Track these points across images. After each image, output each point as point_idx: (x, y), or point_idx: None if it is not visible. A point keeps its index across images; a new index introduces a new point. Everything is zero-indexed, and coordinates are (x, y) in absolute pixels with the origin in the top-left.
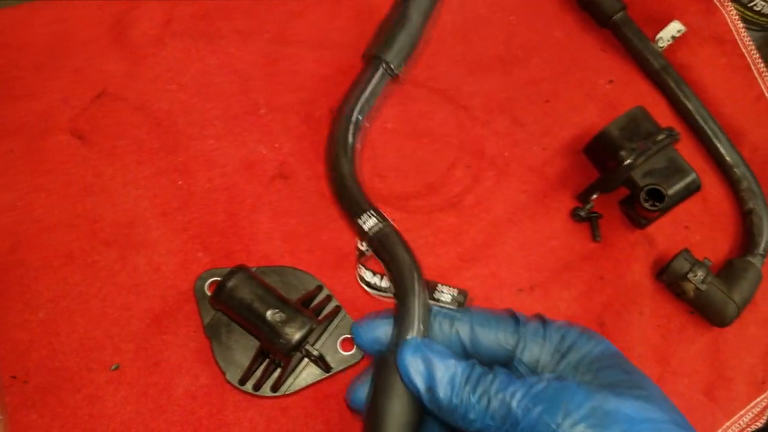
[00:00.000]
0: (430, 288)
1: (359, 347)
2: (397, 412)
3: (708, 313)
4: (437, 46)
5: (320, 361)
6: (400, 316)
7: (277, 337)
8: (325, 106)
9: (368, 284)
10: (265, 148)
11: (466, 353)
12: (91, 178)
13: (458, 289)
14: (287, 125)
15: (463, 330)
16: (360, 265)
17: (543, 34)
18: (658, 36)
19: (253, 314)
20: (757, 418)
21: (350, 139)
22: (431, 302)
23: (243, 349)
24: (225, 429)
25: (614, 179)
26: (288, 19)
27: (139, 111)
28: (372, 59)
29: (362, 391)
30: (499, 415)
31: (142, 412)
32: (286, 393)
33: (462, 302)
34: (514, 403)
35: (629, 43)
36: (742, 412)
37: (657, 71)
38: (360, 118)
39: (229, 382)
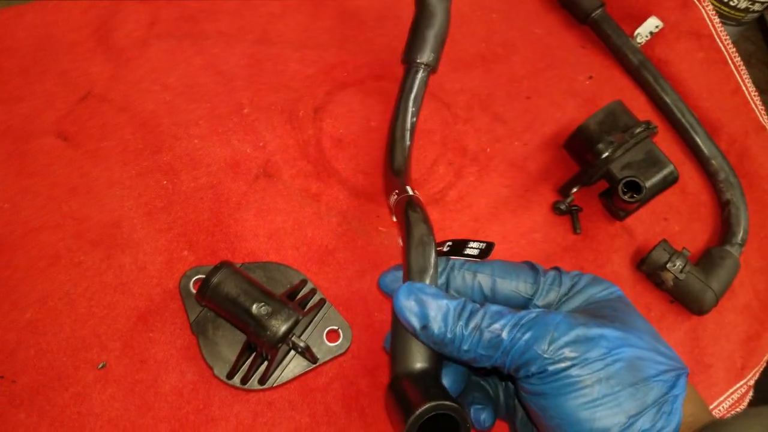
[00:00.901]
0: (463, 245)
1: (382, 290)
2: (414, 349)
3: (687, 301)
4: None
5: (307, 353)
6: (405, 265)
7: (263, 330)
8: (310, 105)
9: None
10: (250, 147)
11: (487, 301)
12: (77, 179)
13: (486, 242)
14: (271, 124)
15: (485, 280)
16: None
17: (523, 32)
18: (637, 32)
19: (238, 308)
20: (736, 404)
21: (407, 141)
22: (461, 258)
23: (229, 344)
24: (212, 424)
25: (593, 172)
26: (271, 20)
27: (124, 112)
28: (412, 64)
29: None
30: (490, 345)
31: (129, 409)
32: (274, 385)
33: (486, 253)
34: (504, 334)
35: (608, 39)
36: (721, 399)
37: (636, 67)
38: (414, 120)
39: (216, 377)
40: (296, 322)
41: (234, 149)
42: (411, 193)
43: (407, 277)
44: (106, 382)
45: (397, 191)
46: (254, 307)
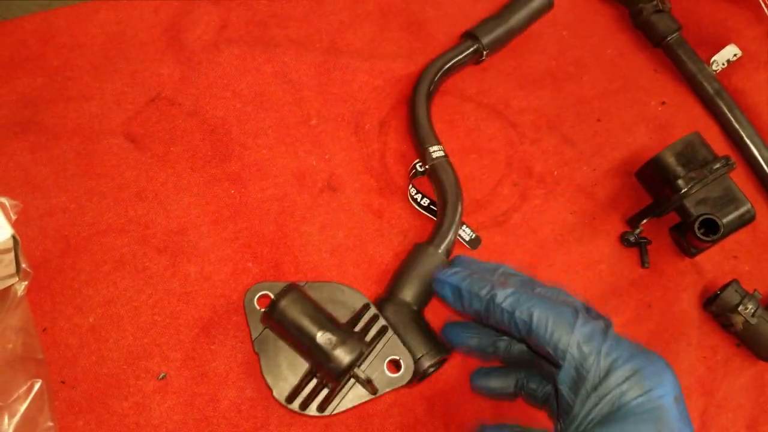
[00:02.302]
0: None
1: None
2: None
3: (755, 346)
4: (489, 59)
5: (368, 385)
6: (436, 229)
7: (327, 361)
8: (376, 118)
9: (414, 200)
10: (316, 159)
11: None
12: (144, 183)
13: (476, 234)
14: (337, 136)
15: (522, 325)
16: (411, 184)
17: (595, 52)
18: (713, 59)
19: (303, 335)
20: None
21: (429, 89)
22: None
23: (291, 366)
24: None
25: (667, 206)
26: (340, 29)
27: (193, 117)
28: (468, 36)
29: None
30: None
31: (187, 422)
32: (332, 414)
33: (475, 244)
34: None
35: (683, 65)
36: None
37: (710, 95)
38: (438, 77)
39: (275, 399)
40: (360, 355)
41: (300, 161)
42: (447, 156)
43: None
44: (166, 393)
45: (435, 150)
46: (319, 335)
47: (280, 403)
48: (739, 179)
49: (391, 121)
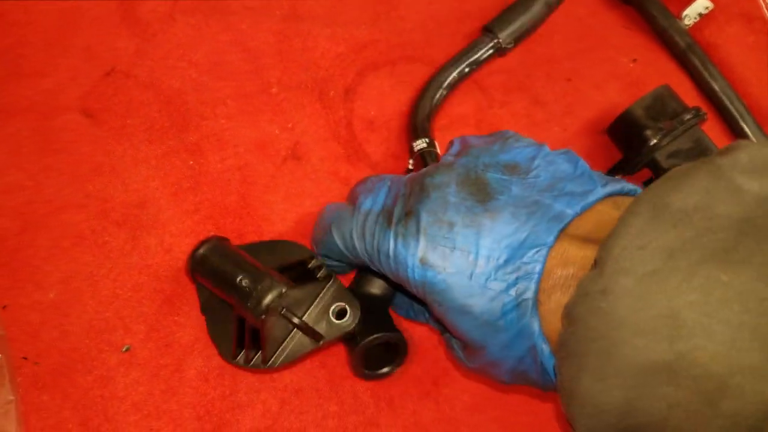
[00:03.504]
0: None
1: None
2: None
3: None
4: (456, 24)
5: (306, 329)
6: None
7: (245, 301)
8: (340, 85)
9: None
10: (278, 128)
11: None
12: (101, 158)
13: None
14: (300, 104)
15: None
16: None
17: (565, 11)
18: (684, 13)
19: (224, 281)
20: None
21: (439, 95)
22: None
23: (232, 323)
24: (238, 411)
25: (638, 160)
26: None
27: (149, 89)
28: (487, 32)
29: None
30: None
31: (153, 393)
32: (277, 366)
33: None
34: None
35: (654, 20)
36: None
37: (682, 50)
38: (456, 77)
39: (222, 358)
40: (281, 293)
41: (262, 130)
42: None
43: None
44: (130, 365)
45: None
46: (238, 278)
47: (228, 362)
48: (713, 133)
49: (357, 88)
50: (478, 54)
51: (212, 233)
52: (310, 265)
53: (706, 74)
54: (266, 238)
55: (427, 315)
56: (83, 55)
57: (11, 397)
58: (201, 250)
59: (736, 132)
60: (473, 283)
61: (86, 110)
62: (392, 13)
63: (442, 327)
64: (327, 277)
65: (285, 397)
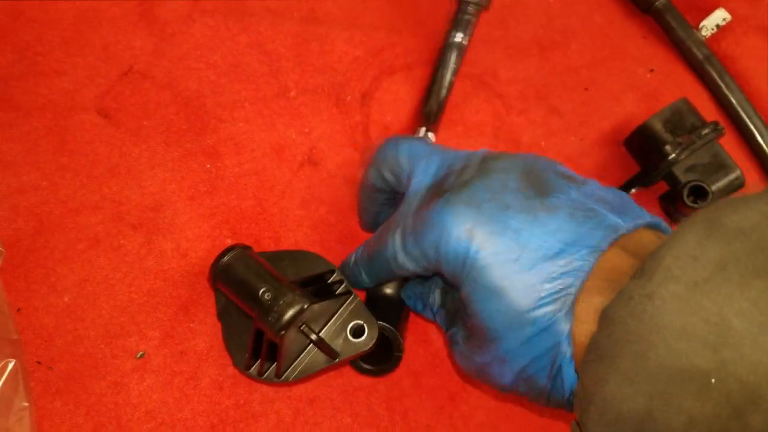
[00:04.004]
0: None
1: None
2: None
3: None
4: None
5: (322, 346)
6: None
7: (266, 315)
8: (357, 90)
9: None
10: (295, 132)
11: None
12: (117, 159)
13: None
14: (317, 109)
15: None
16: None
17: (583, 19)
18: (702, 24)
19: (246, 292)
20: None
21: (454, 63)
22: None
23: (249, 332)
24: (252, 420)
25: (656, 174)
26: None
27: (166, 90)
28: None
29: None
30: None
31: (167, 401)
32: (290, 380)
33: None
34: None
35: (672, 31)
36: None
37: (700, 61)
38: (465, 43)
39: (236, 368)
40: (302, 309)
41: (279, 134)
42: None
43: None
44: (145, 372)
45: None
46: (261, 291)
47: (241, 371)
48: (730, 146)
49: (374, 93)
50: (467, 17)
51: (228, 238)
52: (330, 280)
53: (723, 86)
54: (282, 244)
55: (435, 309)
56: (101, 54)
57: (25, 404)
58: (225, 258)
59: (752, 146)
60: (516, 267)
61: (103, 110)
62: (410, 19)
63: (450, 321)
64: (347, 293)
65: (299, 407)
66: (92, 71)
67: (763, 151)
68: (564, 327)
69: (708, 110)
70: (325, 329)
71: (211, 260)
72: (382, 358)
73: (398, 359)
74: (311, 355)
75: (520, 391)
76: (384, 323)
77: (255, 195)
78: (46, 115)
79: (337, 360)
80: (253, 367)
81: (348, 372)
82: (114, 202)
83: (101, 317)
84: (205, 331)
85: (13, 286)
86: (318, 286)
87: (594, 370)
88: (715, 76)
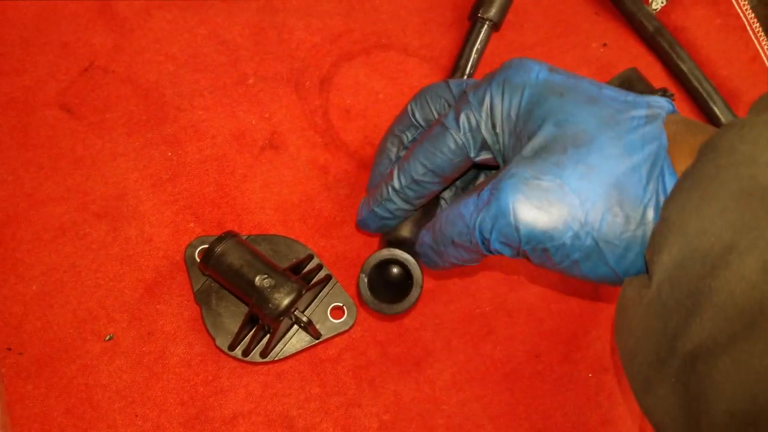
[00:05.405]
0: None
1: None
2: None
3: None
4: (428, 12)
5: (309, 328)
6: None
7: (265, 303)
8: (316, 76)
9: None
10: (255, 118)
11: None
12: (81, 151)
13: None
14: (277, 95)
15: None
16: None
17: None
18: None
19: (241, 280)
20: None
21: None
22: None
23: (232, 315)
24: (221, 395)
25: None
26: None
27: (127, 83)
28: (477, 19)
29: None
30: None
31: (137, 381)
32: (275, 359)
33: None
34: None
35: (623, 5)
36: None
37: (651, 34)
38: (471, 71)
39: (218, 348)
40: (299, 296)
41: (239, 120)
42: None
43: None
44: (114, 354)
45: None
46: (257, 279)
47: (224, 352)
48: (684, 114)
49: (333, 78)
50: (481, 44)
51: (191, 222)
52: (309, 265)
53: (674, 56)
54: (245, 226)
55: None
56: (61, 51)
57: None
58: (219, 248)
59: (705, 112)
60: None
61: (65, 105)
62: (366, 3)
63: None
64: (326, 277)
65: (267, 381)
66: (53, 68)
67: (715, 115)
68: (663, 138)
69: (661, 80)
70: (308, 311)
71: (175, 244)
72: (401, 294)
73: (418, 292)
74: (295, 335)
75: (600, 217)
76: (405, 254)
77: (216, 180)
78: (8, 112)
79: (319, 339)
80: (238, 348)
81: (315, 345)
82: (78, 192)
83: (69, 303)
84: (171, 311)
85: None
86: (296, 271)
87: (686, 198)
88: (666, 47)
